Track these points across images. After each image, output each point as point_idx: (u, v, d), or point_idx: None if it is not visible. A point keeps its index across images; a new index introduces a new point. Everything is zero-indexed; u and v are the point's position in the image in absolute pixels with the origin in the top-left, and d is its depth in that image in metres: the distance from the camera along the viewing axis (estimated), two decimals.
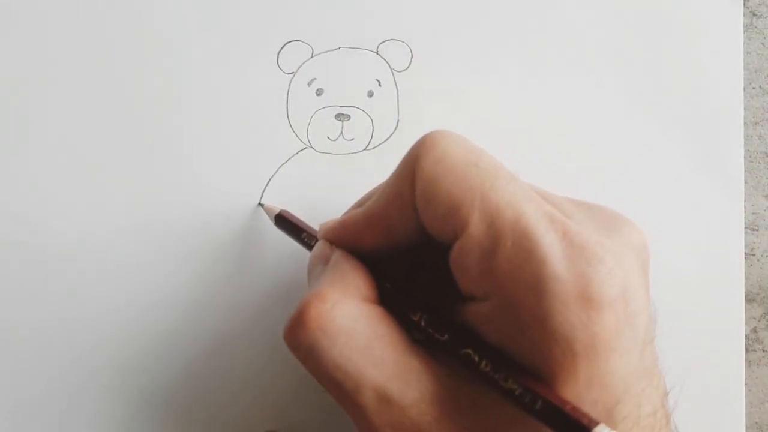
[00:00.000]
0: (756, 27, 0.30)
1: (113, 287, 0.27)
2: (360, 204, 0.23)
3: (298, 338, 0.18)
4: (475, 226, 0.18)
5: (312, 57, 0.29)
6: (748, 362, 0.29)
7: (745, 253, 0.29)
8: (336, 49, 0.29)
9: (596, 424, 0.16)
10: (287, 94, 0.28)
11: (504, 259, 0.17)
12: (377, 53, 0.29)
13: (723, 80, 0.30)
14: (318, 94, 0.29)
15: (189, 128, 0.28)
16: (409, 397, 0.18)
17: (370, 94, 0.29)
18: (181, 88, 0.28)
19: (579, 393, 0.17)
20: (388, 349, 0.18)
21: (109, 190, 0.28)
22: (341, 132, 0.28)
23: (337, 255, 0.21)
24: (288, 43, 0.29)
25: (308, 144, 0.28)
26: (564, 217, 0.18)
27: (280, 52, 0.29)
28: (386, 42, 0.29)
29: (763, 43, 0.30)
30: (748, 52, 0.30)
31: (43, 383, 0.27)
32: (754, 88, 0.30)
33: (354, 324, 0.18)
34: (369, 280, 0.20)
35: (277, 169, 0.28)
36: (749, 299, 0.30)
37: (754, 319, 0.30)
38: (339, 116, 0.28)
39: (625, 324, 0.17)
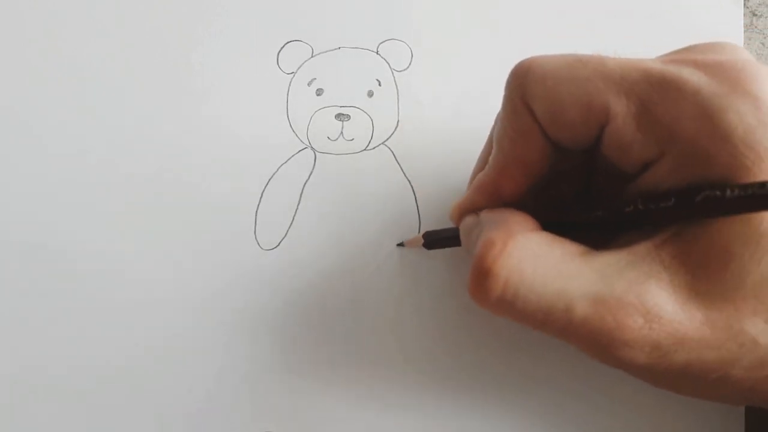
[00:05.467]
0: (756, 27, 0.30)
1: (111, 288, 0.27)
2: (474, 176, 0.23)
3: (489, 289, 0.18)
4: (616, 104, 0.18)
5: (312, 57, 0.29)
6: None
7: None
8: (336, 49, 0.29)
9: None
10: (287, 94, 0.28)
11: (661, 112, 0.18)
12: (377, 53, 0.29)
13: None
14: (318, 94, 0.28)
15: (189, 128, 0.28)
16: (618, 288, 0.18)
17: (370, 94, 0.29)
18: (181, 88, 0.28)
19: None
20: (576, 259, 0.18)
21: (108, 190, 0.28)
22: (341, 132, 0.28)
23: (484, 212, 0.21)
24: (288, 43, 0.29)
25: (308, 144, 0.28)
26: (682, 56, 0.19)
27: (280, 52, 0.29)
28: (386, 42, 0.29)
29: (763, 43, 0.30)
30: None
31: (44, 383, 0.27)
32: None
33: (533, 252, 0.18)
34: (526, 215, 0.20)
35: (277, 169, 0.28)
36: None
37: None
38: (339, 116, 0.28)
39: None
